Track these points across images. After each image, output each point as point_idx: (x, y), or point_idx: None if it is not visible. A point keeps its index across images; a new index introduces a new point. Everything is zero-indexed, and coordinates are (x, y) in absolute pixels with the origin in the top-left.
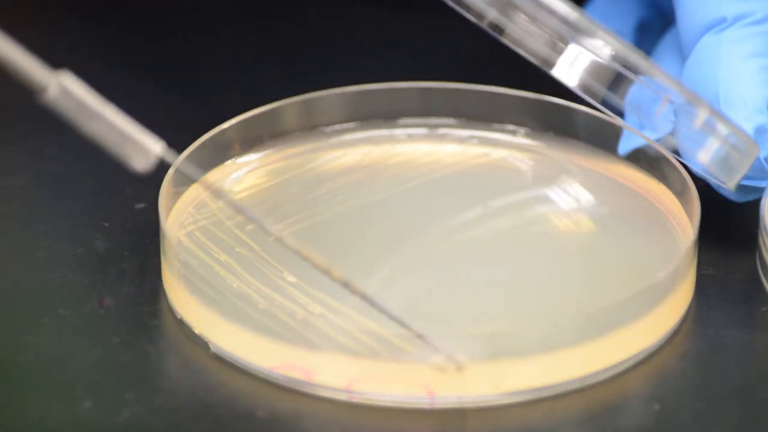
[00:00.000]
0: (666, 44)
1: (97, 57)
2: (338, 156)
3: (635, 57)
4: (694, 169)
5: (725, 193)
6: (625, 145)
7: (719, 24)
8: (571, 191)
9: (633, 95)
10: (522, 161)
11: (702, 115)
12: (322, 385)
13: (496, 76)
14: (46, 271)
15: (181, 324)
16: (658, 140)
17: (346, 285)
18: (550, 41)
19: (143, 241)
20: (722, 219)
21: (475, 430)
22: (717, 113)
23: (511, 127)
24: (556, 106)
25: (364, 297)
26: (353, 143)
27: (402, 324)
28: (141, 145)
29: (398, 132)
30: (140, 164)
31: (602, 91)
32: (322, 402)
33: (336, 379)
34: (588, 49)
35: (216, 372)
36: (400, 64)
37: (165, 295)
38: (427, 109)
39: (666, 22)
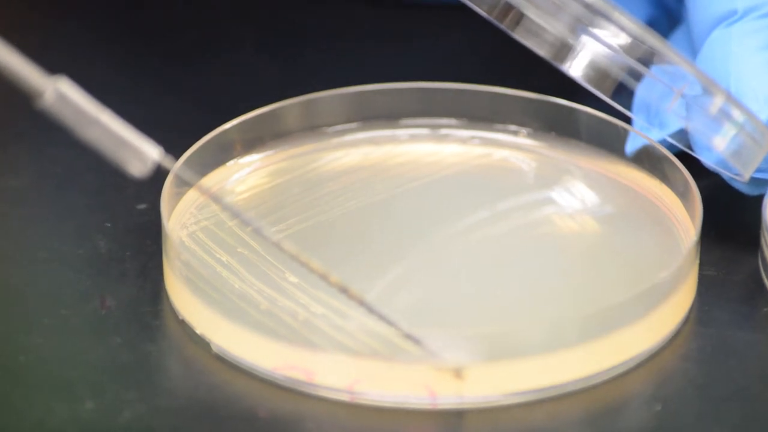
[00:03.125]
0: (674, 43)
1: (99, 59)
2: (340, 156)
3: (651, 41)
4: (708, 162)
5: (737, 186)
6: (632, 144)
7: (730, 17)
8: (573, 192)
9: (643, 91)
10: (524, 162)
11: (718, 100)
12: (324, 385)
13: (498, 76)
14: (48, 271)
15: (183, 324)
16: (669, 136)
17: (343, 290)
18: (565, 30)
19: (145, 241)
20: (724, 219)
21: (476, 430)
22: (733, 99)
23: (513, 127)
24: (558, 106)
25: (361, 302)
26: (355, 144)
27: (400, 329)
28: (138, 151)
29: (400, 132)
30: (137, 169)
31: (612, 85)
32: (324, 402)
33: (337, 379)
34: (600, 41)
35: (217, 372)
36: (401, 64)
37: (167, 295)
38: (428, 110)
39: (673, 21)
